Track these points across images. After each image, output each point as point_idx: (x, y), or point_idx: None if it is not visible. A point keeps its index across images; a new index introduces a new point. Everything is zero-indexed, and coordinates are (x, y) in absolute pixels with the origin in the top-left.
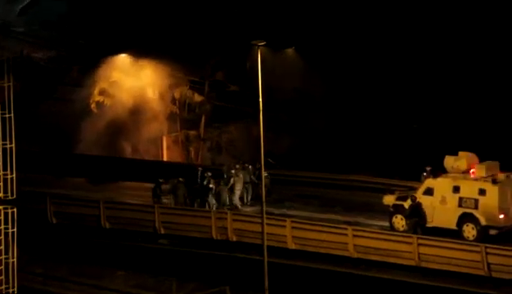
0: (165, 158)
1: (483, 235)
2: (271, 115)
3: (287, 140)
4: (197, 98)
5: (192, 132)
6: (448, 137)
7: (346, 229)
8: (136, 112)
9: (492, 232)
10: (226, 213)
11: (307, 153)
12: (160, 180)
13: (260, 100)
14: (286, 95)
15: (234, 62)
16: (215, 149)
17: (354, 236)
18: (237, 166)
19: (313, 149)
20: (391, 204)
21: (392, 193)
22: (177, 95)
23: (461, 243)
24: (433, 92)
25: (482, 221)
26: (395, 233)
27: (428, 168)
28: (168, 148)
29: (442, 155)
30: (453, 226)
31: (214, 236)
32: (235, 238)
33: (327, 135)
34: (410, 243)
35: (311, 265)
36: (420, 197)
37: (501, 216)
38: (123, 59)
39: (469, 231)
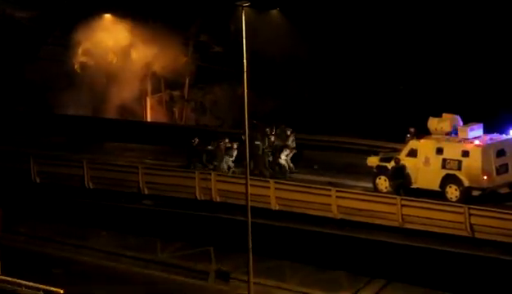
0: (149, 119)
1: (466, 196)
2: (255, 76)
3: (271, 102)
4: (181, 59)
5: (176, 93)
6: (433, 99)
7: (329, 190)
8: (120, 72)
9: (475, 193)
10: (210, 174)
11: (292, 115)
12: (209, 147)
13: (244, 61)
14: (271, 56)
15: (218, 23)
16: (199, 110)
17: (338, 197)
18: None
19: (298, 111)
20: (375, 165)
21: (376, 154)
22: (161, 55)
23: (444, 204)
24: (420, 54)
25: (466, 182)
26: (379, 194)
27: (411, 130)
28: (151, 108)
29: (426, 117)
30: (436, 187)
31: (198, 196)
32: (218, 199)
33: (312, 96)
34: (393, 204)
35: (294, 225)
36: (404, 158)
37: (484, 178)
38: (106, 18)
39: (452, 192)
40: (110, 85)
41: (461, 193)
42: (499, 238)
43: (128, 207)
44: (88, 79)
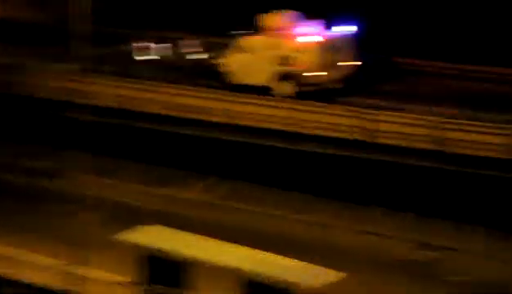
0: None
1: (299, 92)
2: None
3: None
4: None
5: None
6: None
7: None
8: None
9: (308, 89)
10: None
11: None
12: None
13: None
14: None
15: None
16: None
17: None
18: None
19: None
20: None
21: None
22: None
23: (271, 100)
24: None
25: (299, 78)
26: (208, 90)
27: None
28: None
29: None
30: (270, 84)
31: None
32: None
33: None
34: (222, 101)
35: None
36: (236, 54)
37: (318, 73)
38: None
39: (285, 89)
40: None
41: (294, 88)
42: (324, 133)
43: None
44: None
